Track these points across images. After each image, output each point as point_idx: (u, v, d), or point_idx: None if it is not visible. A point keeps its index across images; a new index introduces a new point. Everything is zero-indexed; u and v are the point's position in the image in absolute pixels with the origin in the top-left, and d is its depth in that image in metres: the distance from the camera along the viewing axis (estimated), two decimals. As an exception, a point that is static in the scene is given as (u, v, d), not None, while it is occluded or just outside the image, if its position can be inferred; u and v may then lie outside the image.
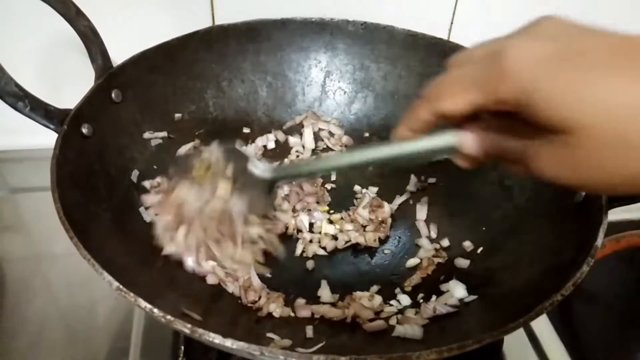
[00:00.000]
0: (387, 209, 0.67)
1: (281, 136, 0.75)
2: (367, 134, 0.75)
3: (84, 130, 0.55)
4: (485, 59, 0.32)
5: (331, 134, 0.76)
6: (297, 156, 0.74)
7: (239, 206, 0.49)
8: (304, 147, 0.74)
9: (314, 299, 0.57)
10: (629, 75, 0.28)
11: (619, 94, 0.28)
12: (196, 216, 0.49)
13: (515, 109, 0.31)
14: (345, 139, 0.75)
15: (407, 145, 0.38)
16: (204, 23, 0.75)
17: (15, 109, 0.51)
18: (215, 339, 0.37)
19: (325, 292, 0.58)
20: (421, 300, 0.56)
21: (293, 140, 0.75)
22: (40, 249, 0.71)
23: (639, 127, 0.28)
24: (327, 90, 0.76)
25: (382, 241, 0.65)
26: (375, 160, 0.41)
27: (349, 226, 0.65)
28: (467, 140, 0.36)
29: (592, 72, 0.29)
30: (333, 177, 0.72)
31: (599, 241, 0.45)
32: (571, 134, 0.29)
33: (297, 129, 0.76)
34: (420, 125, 0.37)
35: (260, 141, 0.74)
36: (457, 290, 0.55)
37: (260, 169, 0.49)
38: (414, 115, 0.37)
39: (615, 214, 0.49)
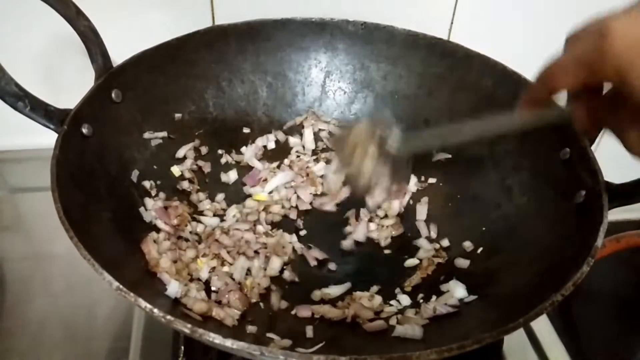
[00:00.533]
0: (395, 205, 0.67)
1: (281, 136, 0.75)
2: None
3: (84, 130, 0.55)
4: (590, 38, 0.34)
5: (331, 134, 0.76)
6: (298, 157, 0.74)
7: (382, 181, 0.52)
8: (304, 147, 0.75)
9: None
10: None
11: None
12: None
13: (615, 86, 0.33)
14: None
15: (529, 115, 0.44)
16: (204, 23, 0.75)
17: (15, 109, 0.51)
18: (215, 339, 0.37)
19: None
20: (421, 300, 0.56)
21: (293, 140, 0.75)
22: (40, 249, 0.71)
23: None
24: (327, 90, 0.76)
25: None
26: (506, 128, 0.47)
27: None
28: (575, 113, 0.41)
29: None
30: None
31: (599, 241, 0.45)
32: None
33: (297, 129, 0.76)
34: (539, 101, 0.42)
35: (260, 141, 0.73)
36: (457, 290, 0.55)
37: (396, 146, 0.51)
38: (533, 94, 0.41)
39: (615, 214, 0.49)
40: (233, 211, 0.65)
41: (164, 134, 0.66)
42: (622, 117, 0.36)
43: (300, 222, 0.66)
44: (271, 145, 0.74)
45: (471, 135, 0.48)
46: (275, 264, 0.59)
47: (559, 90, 0.38)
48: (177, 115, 0.69)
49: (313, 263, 0.61)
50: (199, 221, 0.63)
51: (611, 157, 0.62)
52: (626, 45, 0.31)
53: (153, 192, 0.63)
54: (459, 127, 0.48)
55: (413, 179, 0.70)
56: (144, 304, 0.39)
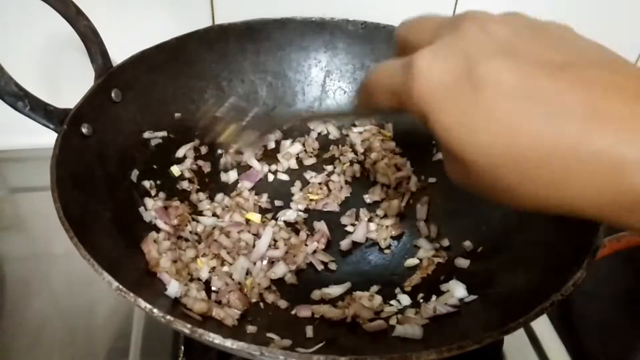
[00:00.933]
0: (395, 205, 0.67)
1: (281, 136, 0.75)
2: (367, 134, 0.75)
3: (84, 130, 0.55)
4: (399, 69, 0.32)
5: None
6: (298, 157, 0.74)
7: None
8: (305, 151, 0.74)
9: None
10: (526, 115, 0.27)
11: (503, 138, 0.27)
12: None
13: (419, 119, 0.31)
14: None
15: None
16: (204, 23, 0.75)
17: (15, 108, 0.51)
18: (215, 339, 0.37)
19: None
20: (421, 300, 0.56)
21: (294, 144, 0.75)
22: (40, 249, 0.71)
23: (513, 168, 0.28)
24: (327, 89, 0.76)
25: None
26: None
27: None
28: None
29: (481, 112, 0.27)
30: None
31: (599, 241, 0.45)
32: (458, 159, 0.30)
33: (297, 129, 0.76)
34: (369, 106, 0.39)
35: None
36: (457, 290, 0.55)
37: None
38: (360, 101, 0.39)
39: (615, 214, 0.48)
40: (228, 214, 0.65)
41: (164, 133, 0.66)
42: None
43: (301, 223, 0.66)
44: (271, 145, 0.74)
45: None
46: (281, 269, 0.59)
47: (376, 108, 0.36)
48: (177, 115, 0.69)
49: (320, 267, 0.61)
50: (199, 221, 0.63)
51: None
52: (429, 87, 0.29)
53: (153, 192, 0.63)
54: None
55: (413, 179, 0.70)
56: (144, 304, 0.39)
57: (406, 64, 0.31)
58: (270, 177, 0.72)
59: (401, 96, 0.31)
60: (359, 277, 0.60)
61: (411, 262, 0.62)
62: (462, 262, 0.60)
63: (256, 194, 0.69)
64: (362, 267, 0.62)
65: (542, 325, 0.62)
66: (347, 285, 0.59)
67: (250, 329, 0.51)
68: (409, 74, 0.30)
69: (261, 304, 0.56)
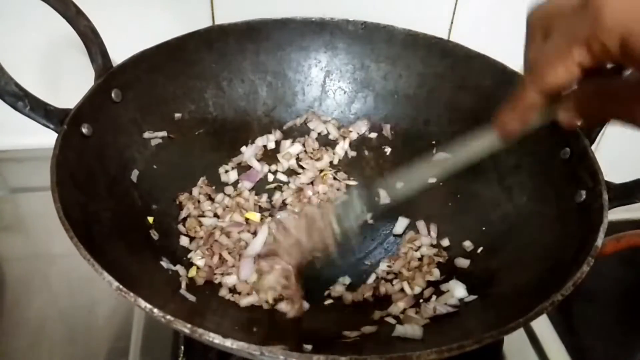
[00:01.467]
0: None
1: (281, 136, 0.75)
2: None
3: (84, 130, 0.55)
4: (576, 14, 0.31)
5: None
6: (298, 157, 0.74)
7: None
8: (305, 151, 0.74)
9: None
10: None
11: None
12: None
13: (622, 53, 0.30)
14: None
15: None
16: (204, 23, 0.74)
17: (15, 108, 0.51)
18: (215, 339, 0.37)
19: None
20: (421, 300, 0.56)
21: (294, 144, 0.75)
22: (40, 249, 0.71)
23: None
24: (327, 90, 0.76)
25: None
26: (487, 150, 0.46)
27: None
28: (575, 106, 0.36)
29: None
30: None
31: (599, 241, 0.45)
32: None
33: (297, 129, 0.76)
34: (529, 112, 0.37)
35: (260, 141, 0.73)
36: (457, 290, 0.55)
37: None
38: (520, 103, 0.37)
39: (615, 214, 0.49)
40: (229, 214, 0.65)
41: (164, 133, 0.66)
42: (631, 95, 0.33)
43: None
44: (271, 145, 0.74)
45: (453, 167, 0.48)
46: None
47: (557, 83, 0.33)
48: (177, 115, 0.69)
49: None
50: (201, 223, 0.63)
51: (611, 157, 0.62)
52: (622, 8, 0.29)
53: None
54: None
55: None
56: (144, 304, 0.39)
57: (580, 3, 0.31)
58: (270, 177, 0.72)
59: (589, 37, 0.30)
60: (359, 278, 0.60)
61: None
62: (462, 262, 0.60)
63: (256, 194, 0.69)
64: (362, 268, 0.62)
65: (542, 325, 0.62)
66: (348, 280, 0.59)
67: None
68: (592, 6, 0.30)
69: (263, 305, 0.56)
